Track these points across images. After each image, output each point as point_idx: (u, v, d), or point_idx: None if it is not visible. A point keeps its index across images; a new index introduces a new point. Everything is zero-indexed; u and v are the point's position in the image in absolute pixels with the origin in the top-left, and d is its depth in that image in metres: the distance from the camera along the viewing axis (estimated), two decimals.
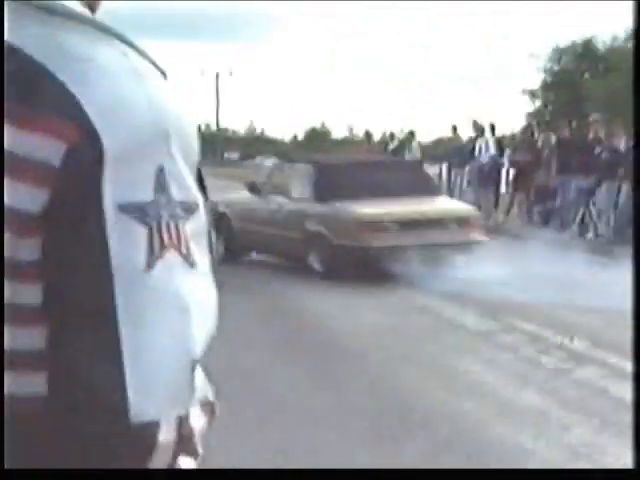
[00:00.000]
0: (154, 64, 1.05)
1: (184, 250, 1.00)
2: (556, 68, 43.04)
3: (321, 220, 12.56)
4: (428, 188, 13.82)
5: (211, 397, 1.11)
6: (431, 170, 26.78)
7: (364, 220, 12.15)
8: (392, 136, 26.65)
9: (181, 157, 1.01)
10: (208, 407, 1.10)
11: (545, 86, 43.10)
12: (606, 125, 17.26)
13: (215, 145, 69.23)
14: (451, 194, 22.59)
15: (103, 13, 1.12)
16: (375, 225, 12.12)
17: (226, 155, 70.97)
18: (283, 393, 6.83)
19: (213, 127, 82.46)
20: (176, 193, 1.00)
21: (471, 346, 8.40)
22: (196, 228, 1.02)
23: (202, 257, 1.02)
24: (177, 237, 0.99)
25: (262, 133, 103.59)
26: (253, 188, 14.25)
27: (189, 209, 1.02)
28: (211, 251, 1.05)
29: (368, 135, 28.39)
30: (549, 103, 42.55)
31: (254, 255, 14.17)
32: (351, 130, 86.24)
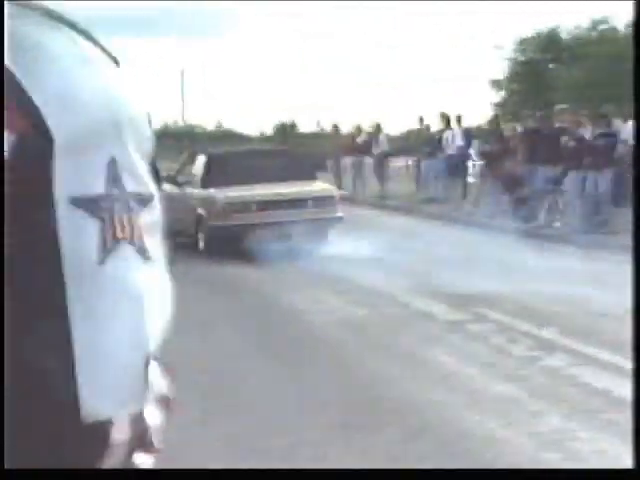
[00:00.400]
0: (105, 51, 1.02)
1: (138, 243, 0.97)
2: (521, 58, 43.23)
3: (203, 204, 14.86)
4: (302, 174, 15.50)
5: (167, 392, 1.08)
6: (399, 163, 26.99)
7: (228, 202, 14.34)
8: (359, 129, 26.71)
9: (134, 146, 0.99)
10: (164, 403, 1.06)
11: (510, 76, 43.29)
12: (572, 114, 17.30)
13: (181, 141, 68.76)
14: (419, 186, 22.69)
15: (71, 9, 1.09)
16: (237, 206, 14.31)
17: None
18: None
19: (180, 124, 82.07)
20: (129, 184, 0.97)
21: (440, 336, 8.42)
22: (150, 219, 0.99)
23: (156, 249, 1.00)
24: (131, 230, 0.96)
25: (230, 129, 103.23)
26: (168, 179, 15.78)
27: (143, 200, 0.99)
28: (165, 242, 1.03)
29: (336, 128, 28.43)
30: (514, 93, 42.73)
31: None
32: (319, 123, 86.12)
